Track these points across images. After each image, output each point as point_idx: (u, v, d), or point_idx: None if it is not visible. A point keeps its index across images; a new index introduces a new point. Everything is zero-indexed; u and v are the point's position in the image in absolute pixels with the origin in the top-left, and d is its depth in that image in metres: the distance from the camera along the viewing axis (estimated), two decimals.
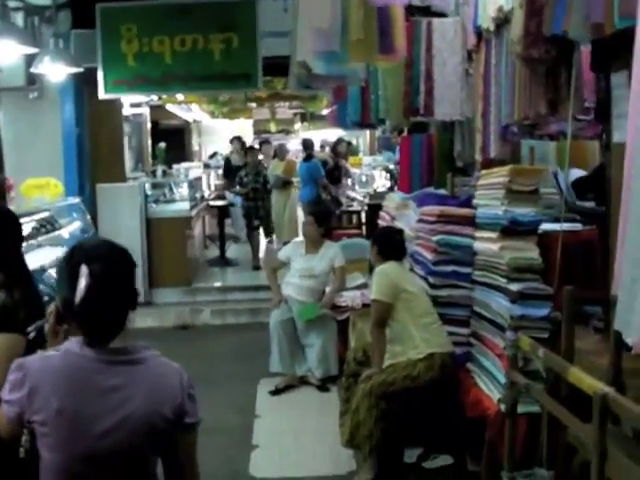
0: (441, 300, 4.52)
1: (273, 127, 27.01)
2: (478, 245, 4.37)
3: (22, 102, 8.00)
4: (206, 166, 16.44)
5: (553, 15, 3.59)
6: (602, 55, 3.79)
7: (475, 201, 4.48)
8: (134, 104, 12.27)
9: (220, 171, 13.96)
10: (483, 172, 4.48)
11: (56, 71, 7.01)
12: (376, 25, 4.06)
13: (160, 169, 11.36)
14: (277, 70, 6.04)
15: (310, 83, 4.90)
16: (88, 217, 5.96)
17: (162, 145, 14.09)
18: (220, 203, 11.69)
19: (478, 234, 4.40)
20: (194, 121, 21.41)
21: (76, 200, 5.89)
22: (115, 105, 9.30)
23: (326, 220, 6.76)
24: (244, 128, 26.36)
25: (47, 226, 5.52)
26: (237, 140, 12.56)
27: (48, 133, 8.09)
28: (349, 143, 14.00)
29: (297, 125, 26.24)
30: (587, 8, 3.21)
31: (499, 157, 5.07)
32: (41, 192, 5.76)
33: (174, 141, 19.36)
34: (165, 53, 7.13)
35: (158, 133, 17.49)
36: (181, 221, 9.40)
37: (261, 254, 11.01)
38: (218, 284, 9.97)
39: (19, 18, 7.15)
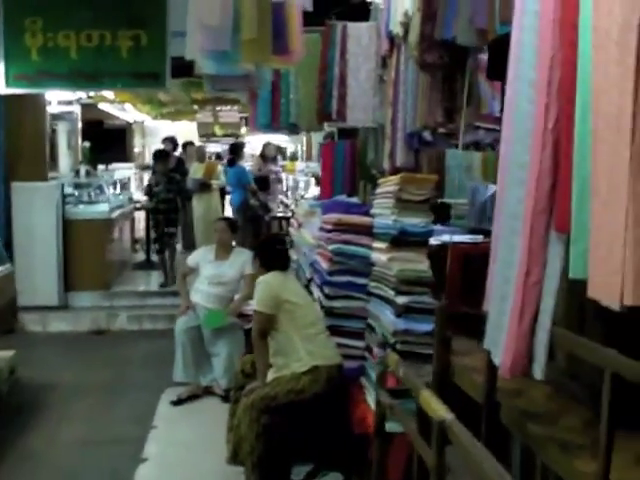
0: (336, 311, 4.39)
1: (218, 130, 26.75)
2: (374, 255, 4.25)
3: None
4: (147, 167, 16.11)
5: (444, 20, 3.49)
6: (498, 62, 3.71)
7: (372, 210, 4.37)
8: (63, 102, 11.96)
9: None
10: (381, 180, 4.36)
11: None
12: (270, 25, 3.90)
13: (83, 169, 11.02)
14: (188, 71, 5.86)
15: (214, 85, 4.72)
16: None
17: (86, 144, 13.73)
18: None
19: (375, 244, 4.28)
20: (135, 122, 20.97)
21: None
22: (38, 101, 9.01)
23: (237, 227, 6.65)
24: (189, 130, 26.10)
25: None
26: (169, 141, 12.22)
27: None
28: (279, 147, 13.84)
29: (243, 129, 26.03)
30: (472, 13, 3.11)
31: (404, 166, 4.99)
32: None
33: (117, 141, 19.06)
34: (71, 48, 6.88)
35: (101, 133, 17.13)
36: (100, 223, 9.13)
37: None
38: (139, 288, 9.70)
39: None
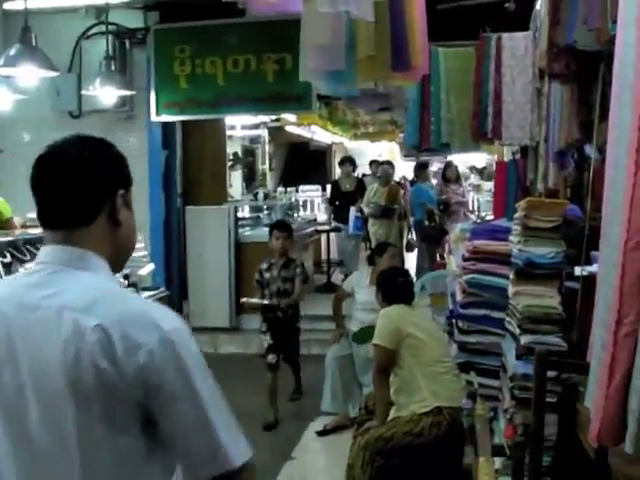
0: (470, 347, 4.07)
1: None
2: (509, 287, 3.90)
3: (111, 124, 8.17)
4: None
5: (567, 23, 3.13)
6: None
7: (510, 237, 4.01)
8: (247, 126, 12.41)
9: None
10: (517, 204, 4.00)
11: (106, 94, 7.11)
12: (389, 40, 3.69)
13: (262, 192, 11.33)
14: None
15: (349, 104, 4.59)
16: (140, 239, 5.95)
17: (264, 167, 14.24)
18: (326, 228, 11.60)
19: (511, 275, 3.93)
20: (333, 143, 21.38)
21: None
22: (217, 126, 9.37)
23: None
24: (391, 150, 26.22)
25: None
26: (348, 162, 12.06)
27: (134, 155, 8.17)
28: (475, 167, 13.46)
29: None
30: (585, 13, 2.74)
31: (556, 187, 4.62)
32: None
33: (318, 163, 19.65)
34: (217, 74, 7.05)
35: (307, 154, 18.13)
36: None
37: None
38: (310, 312, 9.72)
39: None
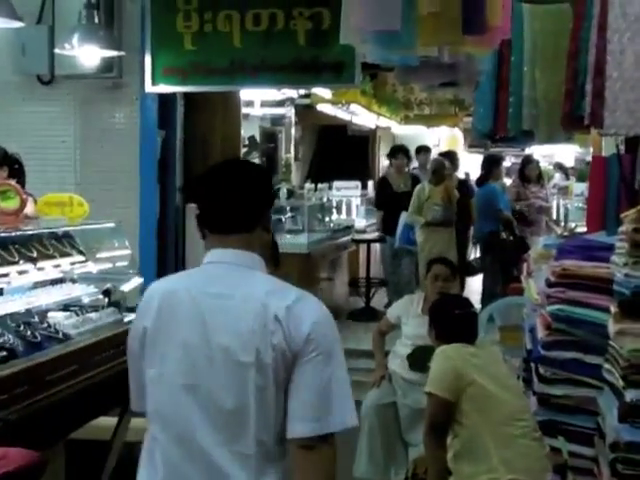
0: (555, 401, 4.01)
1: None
2: (610, 324, 3.81)
3: (92, 94, 8.18)
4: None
5: None
6: None
7: (613, 257, 3.92)
8: (268, 103, 12.40)
9: None
10: (624, 214, 3.90)
11: (86, 54, 7.09)
12: None
13: (284, 188, 11.25)
14: None
15: (402, 77, 4.54)
16: (127, 245, 5.90)
17: (288, 156, 14.25)
18: (367, 237, 11.58)
19: (612, 307, 3.83)
20: (378, 127, 21.31)
21: (111, 223, 5.85)
22: (230, 101, 9.34)
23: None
24: (452, 138, 26.13)
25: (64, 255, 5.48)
26: (401, 153, 11.92)
27: (122, 135, 8.18)
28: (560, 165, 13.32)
29: None
30: None
31: None
32: (62, 211, 5.77)
33: (359, 152, 19.64)
34: (233, 33, 6.99)
35: (345, 141, 18.21)
36: (297, 259, 9.20)
37: None
38: (348, 345, 9.66)
39: None
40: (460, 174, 14.25)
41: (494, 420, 3.95)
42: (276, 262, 3.80)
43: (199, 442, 2.61)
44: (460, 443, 4.01)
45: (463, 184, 12.05)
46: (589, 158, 15.97)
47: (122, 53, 7.68)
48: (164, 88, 8.01)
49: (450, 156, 12.32)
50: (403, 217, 10.83)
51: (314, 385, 2.59)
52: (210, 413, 2.61)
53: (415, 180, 11.68)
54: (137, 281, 6.06)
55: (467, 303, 4.89)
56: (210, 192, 2.77)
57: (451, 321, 4.58)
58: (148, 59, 7.86)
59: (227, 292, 2.65)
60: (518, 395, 4.09)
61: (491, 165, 11.53)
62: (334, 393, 2.60)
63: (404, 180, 11.57)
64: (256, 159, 13.85)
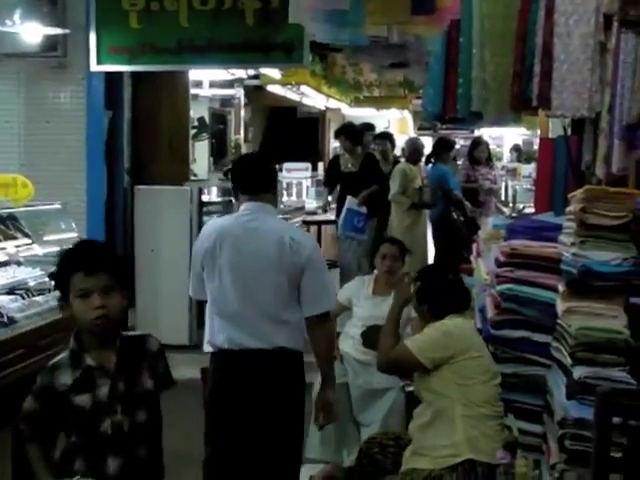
0: (505, 380, 4.09)
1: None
2: (558, 303, 3.86)
3: (35, 73, 8.09)
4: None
5: None
6: None
7: (561, 237, 3.97)
8: (217, 83, 12.34)
9: None
10: (571, 194, 3.95)
11: (28, 31, 7.02)
12: None
13: None
14: None
15: (351, 56, 4.53)
16: (74, 227, 5.85)
17: (238, 137, 14.17)
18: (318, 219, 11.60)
19: (560, 286, 3.88)
20: (327, 109, 21.26)
21: (57, 205, 5.80)
22: (178, 82, 9.30)
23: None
24: (401, 121, 26.20)
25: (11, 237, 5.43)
26: (347, 132, 11.03)
27: (68, 115, 8.11)
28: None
29: None
30: None
31: (623, 172, 4.58)
32: (6, 193, 5.70)
33: (309, 135, 19.60)
34: (180, 12, 6.95)
35: (294, 123, 18.30)
36: None
37: None
38: None
39: None
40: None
41: (473, 399, 4.02)
42: None
43: (241, 313, 4.42)
44: (431, 413, 4.08)
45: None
46: (537, 140, 16.22)
47: (66, 31, 7.61)
48: (110, 67, 7.96)
49: (389, 137, 12.28)
50: (348, 202, 10.30)
51: (314, 286, 4.44)
52: (247, 299, 4.40)
53: (369, 160, 10.99)
54: None
55: (452, 268, 5.05)
56: (244, 168, 4.72)
57: (445, 290, 4.56)
58: (93, 37, 7.79)
59: (256, 226, 4.41)
60: (498, 378, 4.12)
61: (441, 148, 11.53)
62: (324, 290, 4.53)
63: (353, 160, 10.86)
64: (205, 140, 13.79)
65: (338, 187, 10.99)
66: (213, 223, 4.77)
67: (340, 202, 10.68)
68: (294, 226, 5.00)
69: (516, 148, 19.15)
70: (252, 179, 4.53)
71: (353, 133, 11.00)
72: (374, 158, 11.17)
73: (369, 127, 12.92)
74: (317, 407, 4.83)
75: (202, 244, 4.54)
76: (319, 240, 11.69)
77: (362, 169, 10.66)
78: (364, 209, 10.21)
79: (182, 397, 7.79)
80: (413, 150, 11.24)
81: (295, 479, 4.75)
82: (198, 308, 8.79)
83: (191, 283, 4.74)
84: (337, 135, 11.39)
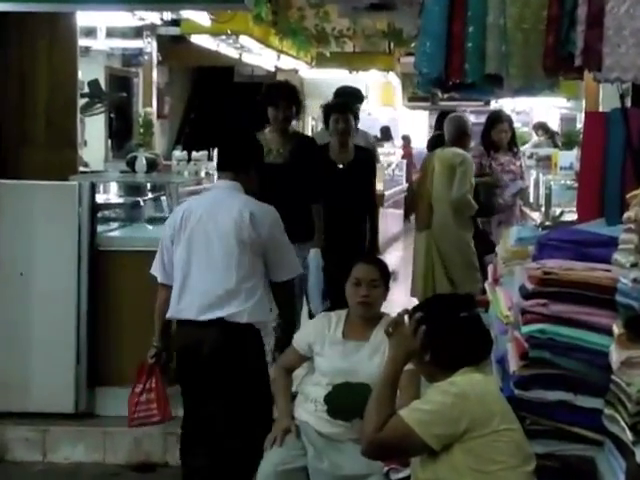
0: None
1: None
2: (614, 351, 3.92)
3: None
4: None
5: None
6: None
7: (615, 255, 4.03)
8: (118, 32, 12.42)
9: None
10: (631, 194, 4.02)
11: None
12: None
13: (143, 157, 11.08)
14: None
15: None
16: None
17: (148, 110, 14.22)
18: None
19: (615, 327, 3.94)
20: (278, 70, 21.32)
21: None
22: (61, 29, 9.29)
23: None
24: (386, 88, 26.42)
25: None
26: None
27: None
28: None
29: None
30: None
31: None
32: None
33: (249, 105, 19.63)
34: None
35: (231, 89, 18.62)
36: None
37: None
38: None
39: None
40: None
41: None
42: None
43: (198, 285, 6.50)
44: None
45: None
46: (581, 116, 16.33)
47: None
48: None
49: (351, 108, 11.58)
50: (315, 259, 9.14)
51: (276, 256, 6.62)
52: (203, 271, 6.47)
53: (301, 144, 9.48)
54: None
55: (468, 300, 5.04)
56: (221, 143, 7.12)
57: (457, 331, 4.54)
58: None
59: (223, 201, 6.60)
60: (531, 460, 4.21)
61: (459, 130, 11.17)
62: (286, 258, 6.75)
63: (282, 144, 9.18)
64: (101, 115, 13.78)
65: None
66: (183, 205, 7.05)
67: None
68: (257, 202, 6.69)
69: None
70: (222, 156, 6.87)
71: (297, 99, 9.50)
72: (311, 143, 9.99)
73: (352, 93, 12.05)
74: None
75: (174, 221, 6.69)
76: None
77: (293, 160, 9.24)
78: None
79: None
80: (458, 131, 11.07)
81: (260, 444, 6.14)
82: (90, 355, 8.79)
83: (157, 263, 6.81)
84: (272, 99, 9.34)
